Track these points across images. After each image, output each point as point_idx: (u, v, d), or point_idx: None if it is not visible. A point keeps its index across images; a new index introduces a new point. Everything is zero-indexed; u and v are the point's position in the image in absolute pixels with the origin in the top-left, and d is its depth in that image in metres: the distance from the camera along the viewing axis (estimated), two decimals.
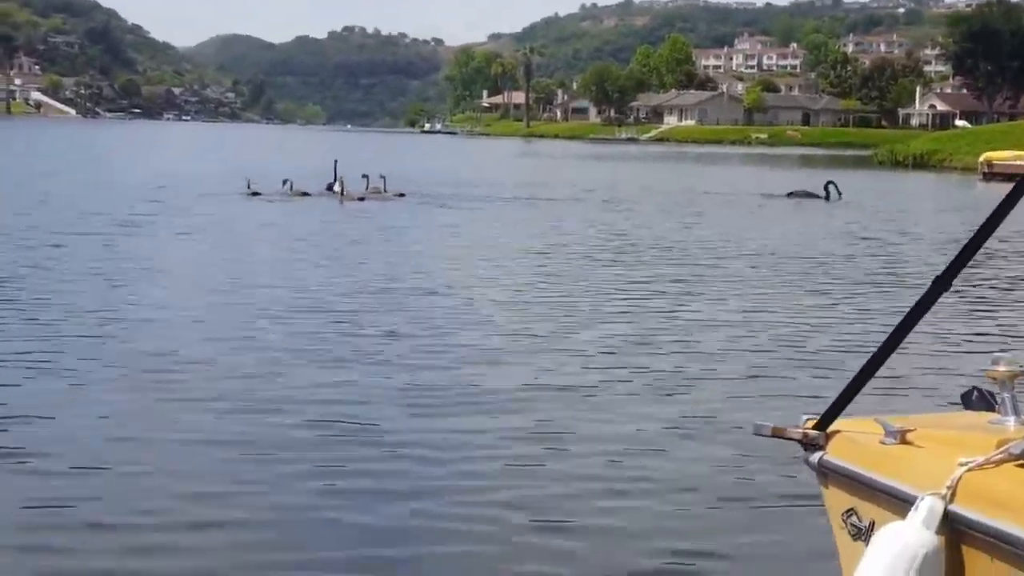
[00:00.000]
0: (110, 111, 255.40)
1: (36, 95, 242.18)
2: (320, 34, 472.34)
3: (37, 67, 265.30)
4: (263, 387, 9.81)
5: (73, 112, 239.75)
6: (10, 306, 13.44)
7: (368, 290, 15.74)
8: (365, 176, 35.17)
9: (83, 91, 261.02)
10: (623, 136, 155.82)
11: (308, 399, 9.39)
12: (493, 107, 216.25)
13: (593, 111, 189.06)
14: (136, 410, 9.03)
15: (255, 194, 33.24)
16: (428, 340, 12.06)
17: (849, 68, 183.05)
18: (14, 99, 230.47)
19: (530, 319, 13.74)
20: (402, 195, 34.88)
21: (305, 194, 33.83)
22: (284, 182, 34.09)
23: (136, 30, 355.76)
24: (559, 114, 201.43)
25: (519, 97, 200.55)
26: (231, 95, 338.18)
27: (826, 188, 37.95)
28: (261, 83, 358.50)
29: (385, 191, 34.87)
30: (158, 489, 7.18)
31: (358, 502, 7.04)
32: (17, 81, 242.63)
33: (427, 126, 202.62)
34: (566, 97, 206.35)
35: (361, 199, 33.16)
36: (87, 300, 14.02)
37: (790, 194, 38.93)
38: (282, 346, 11.56)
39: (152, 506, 6.85)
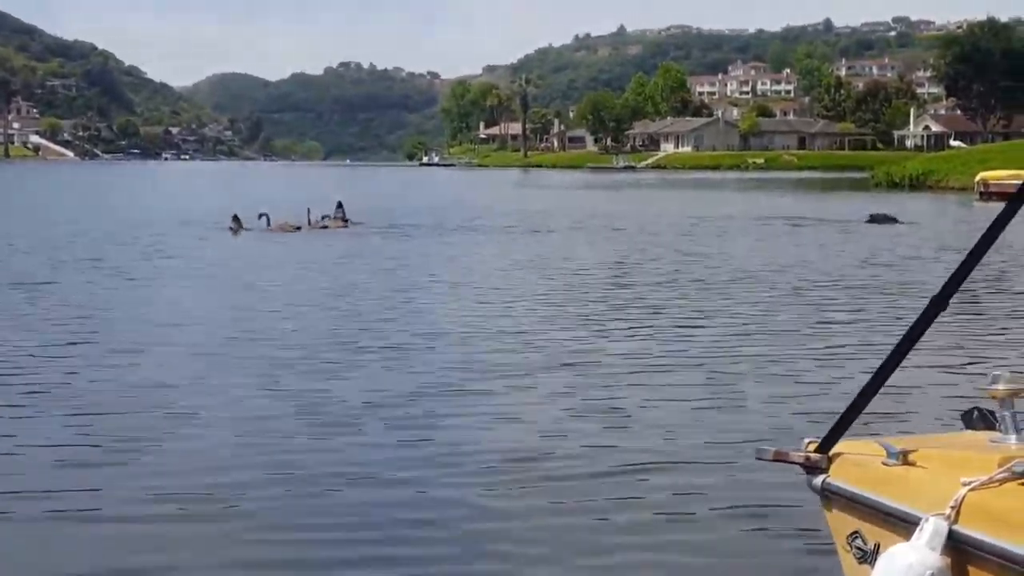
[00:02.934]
0: (108, 152, 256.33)
1: (35, 138, 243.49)
2: (316, 70, 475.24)
3: (35, 110, 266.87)
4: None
5: (71, 154, 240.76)
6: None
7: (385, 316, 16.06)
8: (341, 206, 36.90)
9: (81, 133, 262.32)
10: (620, 164, 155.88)
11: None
12: (490, 138, 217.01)
13: (590, 140, 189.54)
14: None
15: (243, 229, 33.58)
16: (429, 369, 12.07)
17: (843, 92, 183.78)
18: (12, 143, 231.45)
19: (582, 334, 14.27)
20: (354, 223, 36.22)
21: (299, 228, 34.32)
22: (260, 216, 34.28)
23: (133, 71, 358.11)
24: (556, 144, 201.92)
25: (516, 128, 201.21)
26: (229, 133, 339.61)
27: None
28: (258, 120, 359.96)
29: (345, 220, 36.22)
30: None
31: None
32: (15, 125, 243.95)
33: (425, 159, 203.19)
34: (562, 127, 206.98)
35: (325, 227, 34.62)
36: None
37: (872, 218, 38.63)
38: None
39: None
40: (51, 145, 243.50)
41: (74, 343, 13.76)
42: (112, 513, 7.37)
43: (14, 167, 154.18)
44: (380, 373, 11.96)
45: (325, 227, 34.70)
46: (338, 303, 17.90)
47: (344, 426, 9.56)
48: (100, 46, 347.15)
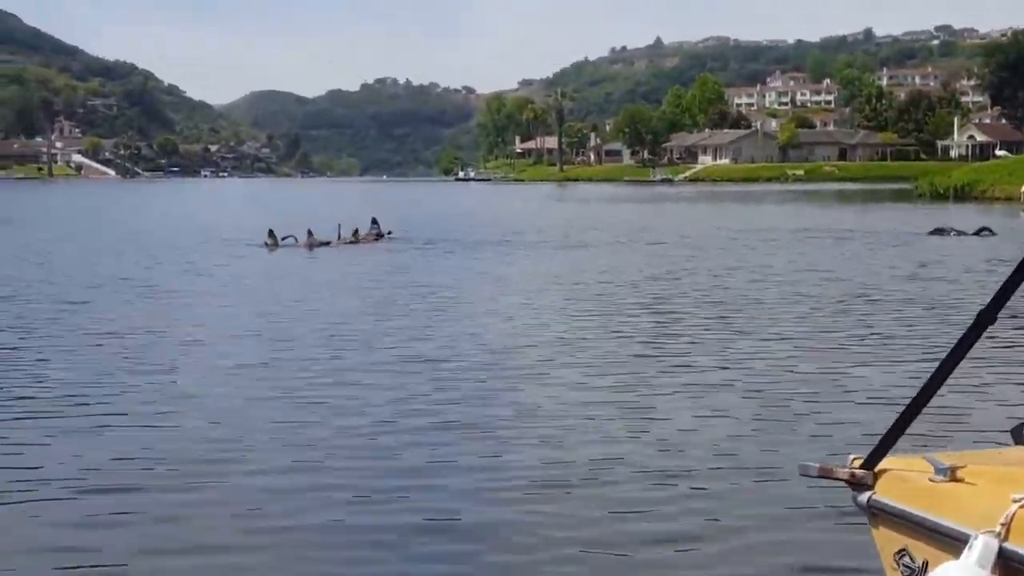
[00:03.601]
0: (148, 171, 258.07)
1: (77, 157, 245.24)
2: (353, 87, 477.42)
3: (77, 130, 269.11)
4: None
5: (113, 173, 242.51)
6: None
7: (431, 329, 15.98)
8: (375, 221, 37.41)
9: (122, 152, 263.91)
10: (658, 177, 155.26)
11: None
12: (526, 152, 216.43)
13: (626, 153, 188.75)
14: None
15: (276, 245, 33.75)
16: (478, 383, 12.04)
17: (884, 101, 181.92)
18: (55, 162, 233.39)
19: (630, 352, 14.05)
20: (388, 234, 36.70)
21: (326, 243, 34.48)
22: (285, 237, 34.27)
23: (173, 90, 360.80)
24: (592, 157, 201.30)
25: (552, 142, 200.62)
26: (266, 150, 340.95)
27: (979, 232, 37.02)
28: (296, 137, 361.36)
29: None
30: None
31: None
32: (58, 144, 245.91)
33: (461, 174, 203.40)
34: (599, 140, 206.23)
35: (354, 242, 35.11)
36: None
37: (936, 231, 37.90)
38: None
39: None
40: (92, 164, 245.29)
41: (117, 361, 13.77)
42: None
43: (57, 186, 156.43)
44: (411, 386, 12.01)
45: (353, 242, 34.69)
46: (372, 318, 17.84)
47: (380, 447, 9.53)
48: (140, 66, 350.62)
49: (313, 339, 15.64)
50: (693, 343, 15.15)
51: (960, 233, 36.65)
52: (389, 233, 37.06)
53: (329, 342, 15.28)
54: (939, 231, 37.59)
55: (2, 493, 8.22)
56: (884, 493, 3.78)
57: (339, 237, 35.25)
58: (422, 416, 10.60)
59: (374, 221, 37.75)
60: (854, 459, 3.93)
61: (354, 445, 9.56)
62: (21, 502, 8.05)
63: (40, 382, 12.43)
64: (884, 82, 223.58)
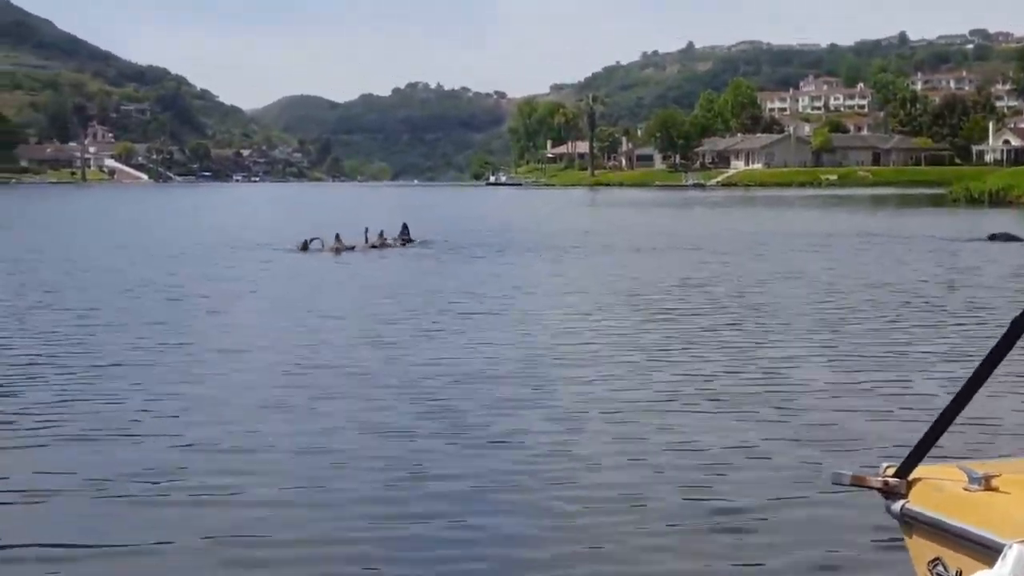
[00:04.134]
0: (181, 175, 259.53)
1: (110, 162, 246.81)
2: (384, 91, 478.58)
3: (110, 135, 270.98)
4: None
5: (145, 177, 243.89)
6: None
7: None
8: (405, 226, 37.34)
9: (155, 156, 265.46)
10: (690, 182, 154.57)
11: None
12: (557, 157, 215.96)
13: (658, 158, 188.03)
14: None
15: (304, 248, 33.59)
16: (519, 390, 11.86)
17: (919, 106, 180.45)
18: (89, 166, 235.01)
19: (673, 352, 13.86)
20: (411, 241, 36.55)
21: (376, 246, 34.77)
22: (312, 239, 34.00)
23: (205, 95, 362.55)
24: (624, 162, 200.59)
25: (583, 146, 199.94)
26: (298, 155, 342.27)
27: None
28: (327, 142, 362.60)
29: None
30: None
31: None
32: (91, 149, 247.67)
33: (492, 178, 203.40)
34: (630, 145, 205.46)
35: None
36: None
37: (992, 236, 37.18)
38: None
39: None
40: (125, 168, 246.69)
41: (149, 364, 13.71)
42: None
43: (91, 190, 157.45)
44: (437, 393, 11.80)
45: (377, 246, 34.61)
46: (401, 324, 17.54)
47: (413, 464, 9.14)
48: (173, 71, 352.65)
49: (340, 343, 15.47)
50: (725, 349, 14.82)
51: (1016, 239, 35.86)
52: (416, 240, 36.64)
53: (354, 348, 15.03)
54: (998, 237, 36.73)
55: (31, 497, 8.19)
56: (918, 502, 3.78)
57: (366, 241, 34.98)
58: (439, 421, 10.44)
59: (404, 227, 37.43)
60: (887, 467, 3.91)
61: (380, 446, 9.46)
62: (33, 506, 7.99)
63: (61, 387, 12.26)
64: (918, 86, 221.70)
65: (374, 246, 34.66)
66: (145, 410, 11.01)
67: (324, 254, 32.64)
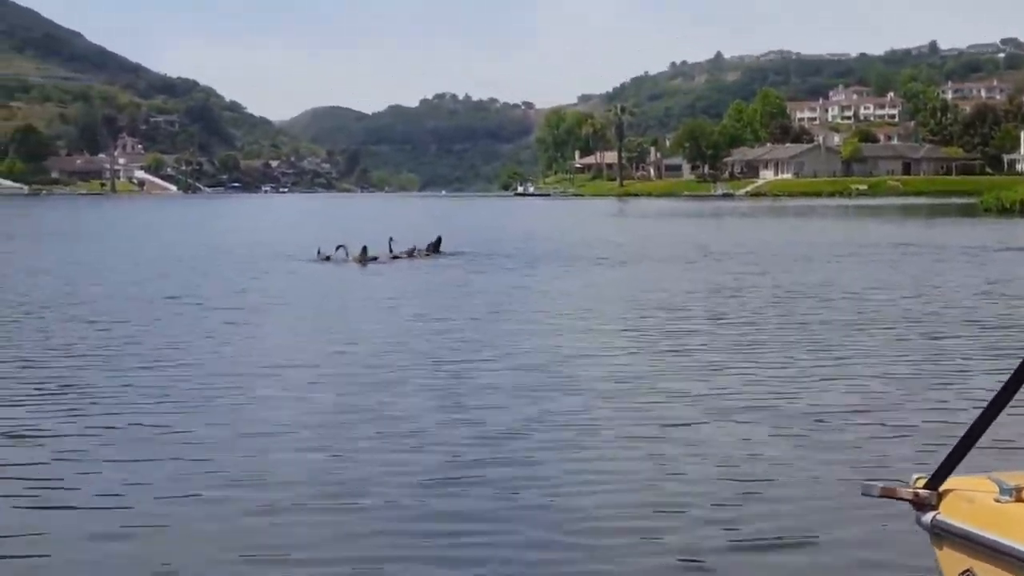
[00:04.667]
0: (210, 186, 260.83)
1: (139, 173, 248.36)
2: (412, 102, 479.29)
3: (140, 146, 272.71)
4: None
5: (174, 188, 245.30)
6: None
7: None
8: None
9: (184, 168, 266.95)
10: (719, 192, 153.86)
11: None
12: (585, 167, 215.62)
13: (686, 168, 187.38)
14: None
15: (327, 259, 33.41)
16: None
17: (949, 115, 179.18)
18: (118, 178, 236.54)
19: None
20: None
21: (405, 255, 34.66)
22: (338, 247, 33.71)
23: (234, 107, 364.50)
24: (652, 172, 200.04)
25: (611, 157, 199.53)
26: (326, 166, 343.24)
27: None
28: (355, 152, 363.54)
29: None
30: None
31: None
32: (121, 160, 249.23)
33: (520, 189, 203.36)
34: (659, 155, 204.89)
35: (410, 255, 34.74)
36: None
37: None
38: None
39: None
40: (155, 180, 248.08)
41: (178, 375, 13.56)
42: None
43: (121, 201, 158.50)
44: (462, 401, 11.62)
45: (399, 257, 34.28)
46: (431, 334, 17.26)
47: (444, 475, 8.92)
48: (202, 83, 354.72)
49: (368, 353, 15.26)
50: (755, 359, 14.54)
51: None
52: (443, 252, 36.25)
53: (385, 356, 14.89)
54: None
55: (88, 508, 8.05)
56: (948, 513, 3.76)
57: (389, 251, 34.62)
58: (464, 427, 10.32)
59: (438, 240, 36.81)
60: (918, 479, 3.89)
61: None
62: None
63: (90, 398, 12.07)
64: (949, 95, 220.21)
65: (395, 257, 34.28)
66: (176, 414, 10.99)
67: (349, 264, 32.37)
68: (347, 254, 33.19)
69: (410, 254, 34.91)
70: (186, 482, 8.59)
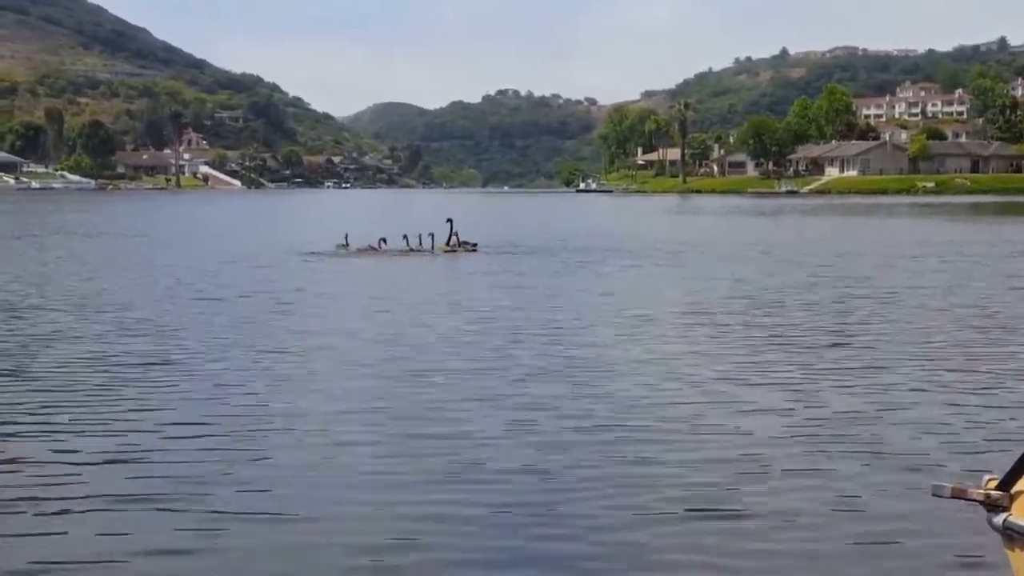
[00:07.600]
0: (273, 181, 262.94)
1: (204, 168, 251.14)
2: (474, 98, 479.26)
3: (204, 142, 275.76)
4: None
5: (238, 183, 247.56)
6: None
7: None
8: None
9: (247, 163, 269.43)
10: (783, 189, 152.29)
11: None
12: (648, 164, 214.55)
13: (750, 165, 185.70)
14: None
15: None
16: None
17: (1019, 112, 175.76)
18: (183, 173, 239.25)
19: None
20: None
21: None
22: (381, 240, 34.85)
23: (297, 103, 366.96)
24: (715, 169, 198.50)
25: (674, 153, 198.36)
26: (388, 161, 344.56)
27: None
28: (417, 148, 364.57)
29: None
30: None
31: None
32: (186, 156, 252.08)
33: (582, 185, 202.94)
34: (722, 152, 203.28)
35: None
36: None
37: None
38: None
39: None
40: (219, 175, 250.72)
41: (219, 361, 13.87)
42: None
43: (186, 196, 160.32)
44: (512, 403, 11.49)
45: (433, 251, 34.80)
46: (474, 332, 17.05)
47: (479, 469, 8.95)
48: (266, 78, 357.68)
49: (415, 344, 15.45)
50: (819, 357, 14.40)
51: None
52: (470, 244, 36.24)
53: (427, 349, 14.97)
54: None
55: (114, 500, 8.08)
56: (1020, 515, 3.73)
57: (420, 243, 35.12)
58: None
59: (457, 237, 36.39)
60: (989, 479, 3.85)
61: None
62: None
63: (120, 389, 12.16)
64: (1019, 92, 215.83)
65: (425, 250, 34.80)
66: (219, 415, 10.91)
67: (380, 255, 33.44)
68: (380, 245, 34.52)
69: (452, 246, 35.32)
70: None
